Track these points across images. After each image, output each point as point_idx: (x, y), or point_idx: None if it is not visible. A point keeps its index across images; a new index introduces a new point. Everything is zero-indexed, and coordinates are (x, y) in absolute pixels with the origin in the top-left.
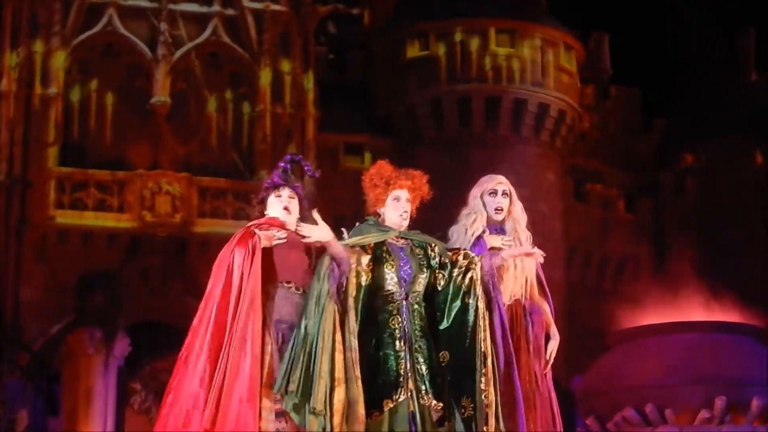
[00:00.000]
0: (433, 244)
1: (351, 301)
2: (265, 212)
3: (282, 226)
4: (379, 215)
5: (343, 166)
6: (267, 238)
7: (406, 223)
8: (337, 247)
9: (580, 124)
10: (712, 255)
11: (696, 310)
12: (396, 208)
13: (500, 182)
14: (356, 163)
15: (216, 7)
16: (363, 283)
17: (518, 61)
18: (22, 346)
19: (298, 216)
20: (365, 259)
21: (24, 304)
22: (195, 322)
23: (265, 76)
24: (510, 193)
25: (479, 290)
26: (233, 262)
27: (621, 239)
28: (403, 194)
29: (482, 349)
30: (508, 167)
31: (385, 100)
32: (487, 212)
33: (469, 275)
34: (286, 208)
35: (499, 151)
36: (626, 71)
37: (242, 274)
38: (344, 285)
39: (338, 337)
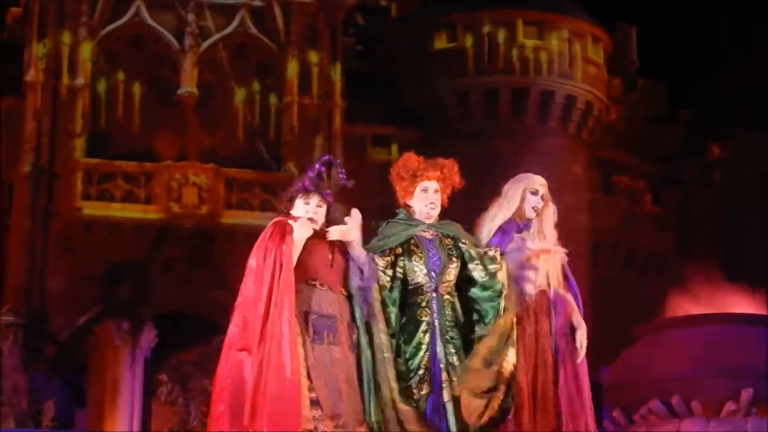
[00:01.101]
0: (464, 236)
1: (378, 305)
2: (291, 211)
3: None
4: (409, 207)
5: (370, 157)
6: (302, 225)
7: (434, 213)
8: (357, 250)
9: (607, 116)
10: (738, 246)
11: (721, 303)
12: (423, 199)
13: (543, 184)
14: (383, 155)
15: None
16: (387, 285)
17: (546, 53)
18: (48, 337)
19: (325, 221)
20: (382, 262)
21: (50, 295)
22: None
23: (292, 68)
24: (547, 194)
25: (506, 290)
26: (267, 255)
27: (647, 231)
28: (431, 185)
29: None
30: (534, 159)
31: (412, 92)
32: (524, 208)
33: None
34: (311, 219)
35: (526, 143)
36: (653, 63)
37: (275, 267)
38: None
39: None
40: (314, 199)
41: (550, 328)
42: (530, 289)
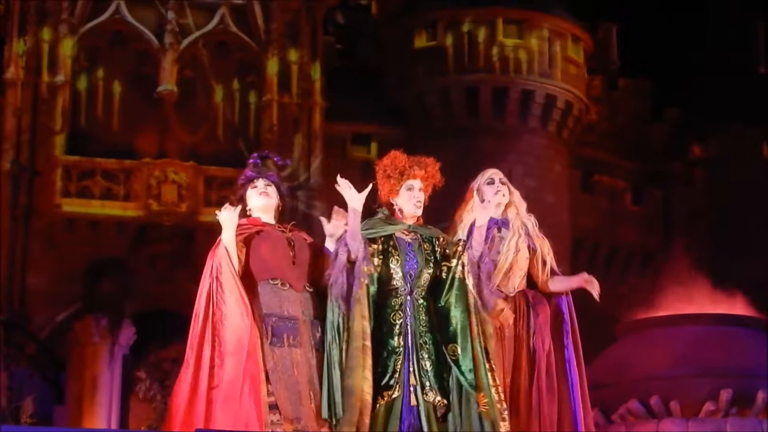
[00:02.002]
0: (441, 238)
1: (365, 290)
2: (248, 209)
3: (263, 225)
4: (392, 205)
5: (351, 155)
6: (227, 216)
7: (420, 212)
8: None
9: (587, 115)
10: (720, 246)
11: (703, 302)
12: (410, 198)
13: (495, 172)
14: (363, 153)
15: None
16: (374, 272)
17: (526, 52)
18: (29, 334)
19: (279, 203)
20: (370, 249)
21: (31, 292)
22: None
23: (273, 66)
24: (506, 181)
25: (468, 281)
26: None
27: (629, 231)
28: (417, 184)
29: (482, 345)
30: (515, 158)
31: (392, 90)
32: (485, 200)
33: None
34: (264, 194)
35: (507, 142)
36: (635, 62)
37: (212, 279)
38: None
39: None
40: (261, 182)
41: (527, 329)
42: (509, 289)
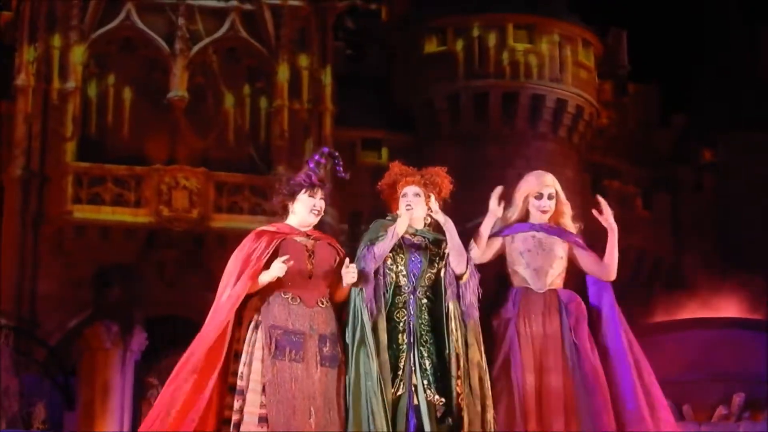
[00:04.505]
0: (446, 241)
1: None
2: (289, 205)
3: (291, 231)
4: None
5: (361, 161)
6: (279, 269)
7: (414, 215)
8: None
9: (597, 120)
10: (729, 250)
11: (713, 307)
12: (402, 203)
13: (548, 184)
14: (373, 158)
15: (234, 2)
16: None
17: (536, 57)
18: (39, 340)
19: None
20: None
21: (41, 298)
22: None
23: (283, 72)
24: (557, 193)
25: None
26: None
27: (639, 235)
28: (410, 190)
29: (455, 350)
30: (524, 163)
31: (402, 96)
32: (530, 212)
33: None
34: (317, 213)
35: (517, 147)
36: (645, 67)
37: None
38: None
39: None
40: (319, 193)
41: (560, 328)
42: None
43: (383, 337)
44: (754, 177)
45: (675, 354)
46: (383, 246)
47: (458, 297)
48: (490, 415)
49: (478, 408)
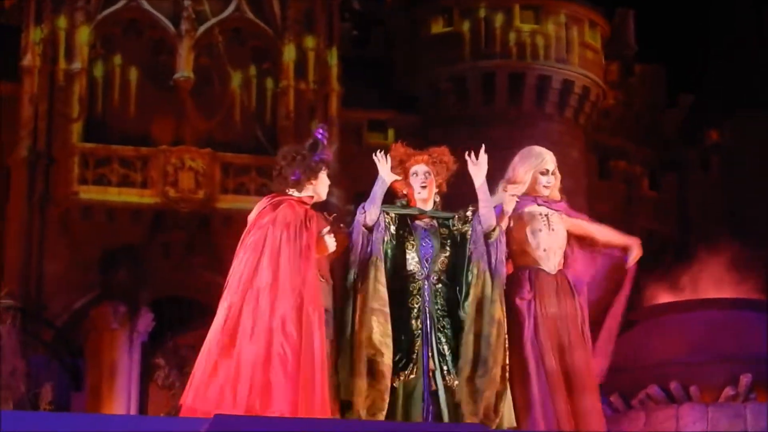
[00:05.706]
0: (456, 216)
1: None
2: (312, 182)
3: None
4: (406, 196)
5: (367, 142)
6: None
7: (426, 195)
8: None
9: (604, 100)
10: (735, 230)
11: (720, 287)
12: (415, 182)
13: (552, 160)
14: (380, 139)
15: None
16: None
17: (542, 38)
18: (46, 321)
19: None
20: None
21: (48, 279)
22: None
23: (289, 52)
24: (556, 171)
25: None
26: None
27: (645, 216)
28: (421, 168)
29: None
30: (531, 144)
31: (408, 77)
32: (537, 189)
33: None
34: (328, 191)
35: (523, 128)
36: (651, 48)
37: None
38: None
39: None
40: (324, 172)
41: (575, 308)
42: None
43: (372, 288)
44: (761, 157)
45: (681, 335)
46: (372, 193)
47: (486, 255)
48: (497, 371)
49: (490, 363)
